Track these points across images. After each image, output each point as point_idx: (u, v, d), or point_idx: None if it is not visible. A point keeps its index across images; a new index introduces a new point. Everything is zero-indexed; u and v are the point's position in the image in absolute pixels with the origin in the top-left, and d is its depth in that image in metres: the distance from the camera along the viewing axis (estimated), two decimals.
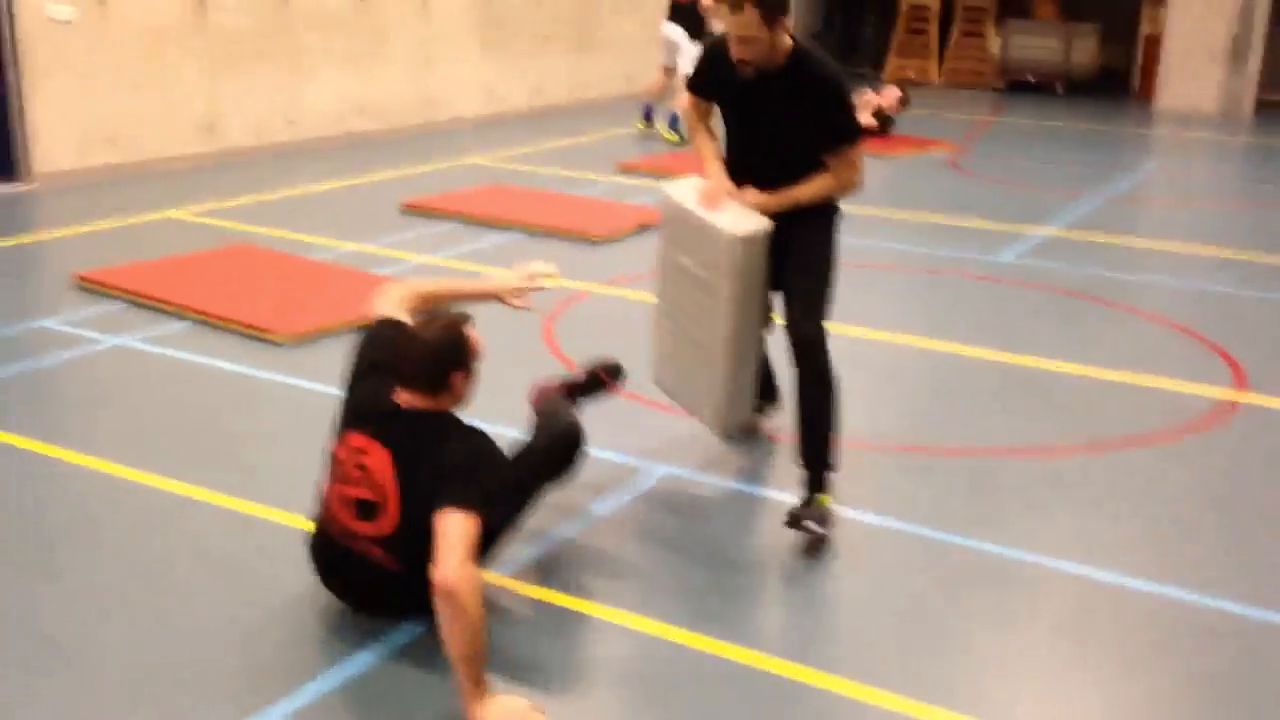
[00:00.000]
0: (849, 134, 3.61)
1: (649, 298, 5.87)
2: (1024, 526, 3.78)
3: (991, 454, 4.32)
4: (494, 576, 3.32)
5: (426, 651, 2.96)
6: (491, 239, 7.14)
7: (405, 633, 3.07)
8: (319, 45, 10.07)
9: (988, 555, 3.59)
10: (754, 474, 4.13)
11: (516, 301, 3.65)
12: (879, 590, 3.41)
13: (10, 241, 6.93)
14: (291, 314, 5.45)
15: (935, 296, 6.38)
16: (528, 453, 3.34)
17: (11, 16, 7.94)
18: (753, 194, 3.69)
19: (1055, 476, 4.16)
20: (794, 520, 3.52)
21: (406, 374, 3.00)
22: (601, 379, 4.01)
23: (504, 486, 3.08)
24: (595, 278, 6.36)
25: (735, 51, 3.47)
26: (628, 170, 9.39)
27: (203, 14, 9.12)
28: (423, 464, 2.91)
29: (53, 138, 8.32)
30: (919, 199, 8.65)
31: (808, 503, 3.58)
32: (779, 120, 3.61)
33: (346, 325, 5.33)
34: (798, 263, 3.66)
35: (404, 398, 3.02)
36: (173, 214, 7.63)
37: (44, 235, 7.18)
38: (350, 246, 6.87)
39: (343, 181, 8.81)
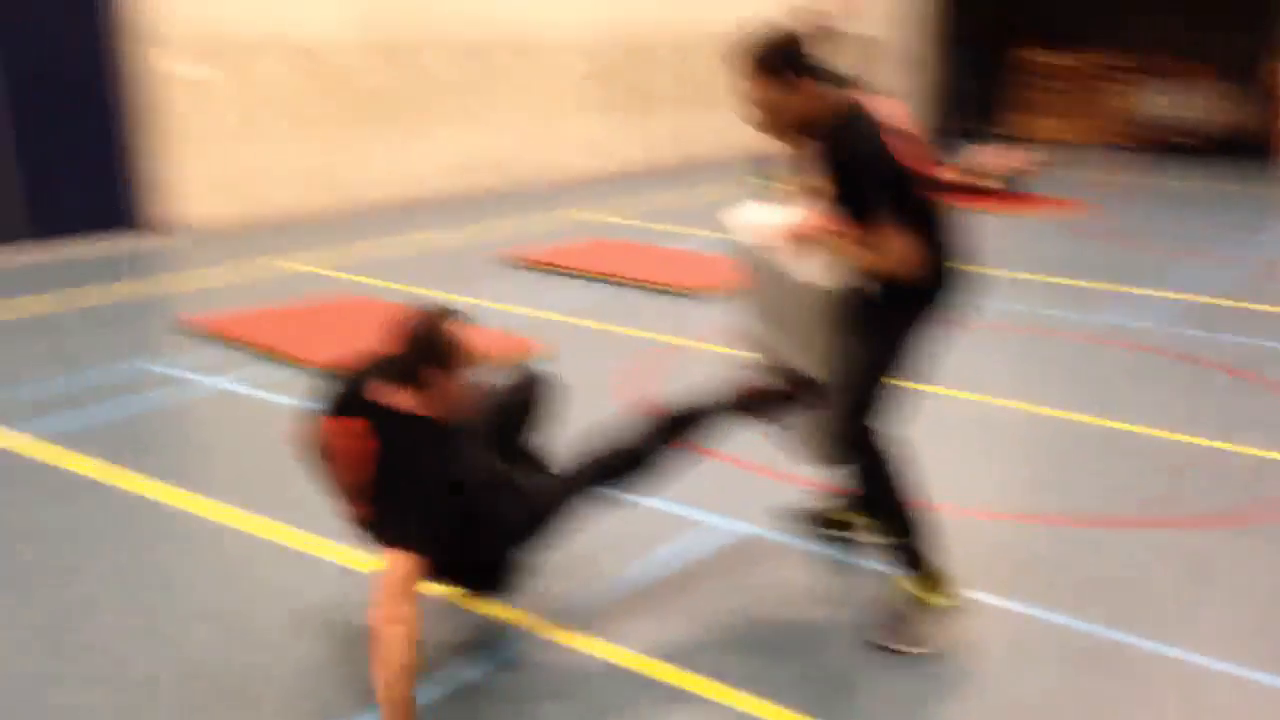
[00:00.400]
0: (869, 210, 3.12)
1: (738, 352, 5.83)
2: (1149, 608, 3.56)
3: (1102, 523, 4.11)
4: (541, 623, 3.27)
5: (487, 691, 2.91)
6: (587, 291, 7.18)
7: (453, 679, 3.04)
8: (438, 104, 10.35)
9: (1117, 644, 3.38)
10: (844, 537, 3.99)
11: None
12: (989, 677, 3.20)
13: (132, 288, 7.22)
14: None
15: (1044, 358, 6.16)
16: (588, 459, 3.23)
17: (141, 75, 8.35)
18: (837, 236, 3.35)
19: (1173, 550, 3.93)
20: (872, 643, 3.32)
21: (382, 364, 2.89)
22: (780, 395, 3.60)
23: (458, 516, 2.86)
24: (683, 332, 6.32)
25: (755, 120, 3.21)
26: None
27: (328, 74, 9.46)
28: (390, 473, 2.82)
29: (183, 190, 8.70)
30: (1039, 259, 8.41)
31: (888, 614, 3.37)
32: (830, 185, 3.27)
33: None
34: (838, 355, 3.37)
35: (382, 391, 2.88)
36: (287, 264, 7.86)
37: (165, 282, 7.47)
38: (451, 298, 6.97)
39: (451, 235, 8.98)
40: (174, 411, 5.08)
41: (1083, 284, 7.71)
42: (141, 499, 4.13)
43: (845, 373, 3.32)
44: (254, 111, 9.04)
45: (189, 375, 5.47)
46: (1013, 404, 5.29)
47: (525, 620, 3.34)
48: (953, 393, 5.30)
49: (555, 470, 3.26)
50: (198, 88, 8.65)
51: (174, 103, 8.54)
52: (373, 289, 7.15)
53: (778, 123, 3.17)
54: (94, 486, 4.23)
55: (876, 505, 3.34)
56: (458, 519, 2.82)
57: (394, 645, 2.58)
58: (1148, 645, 3.32)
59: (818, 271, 3.41)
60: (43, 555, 3.72)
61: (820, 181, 3.24)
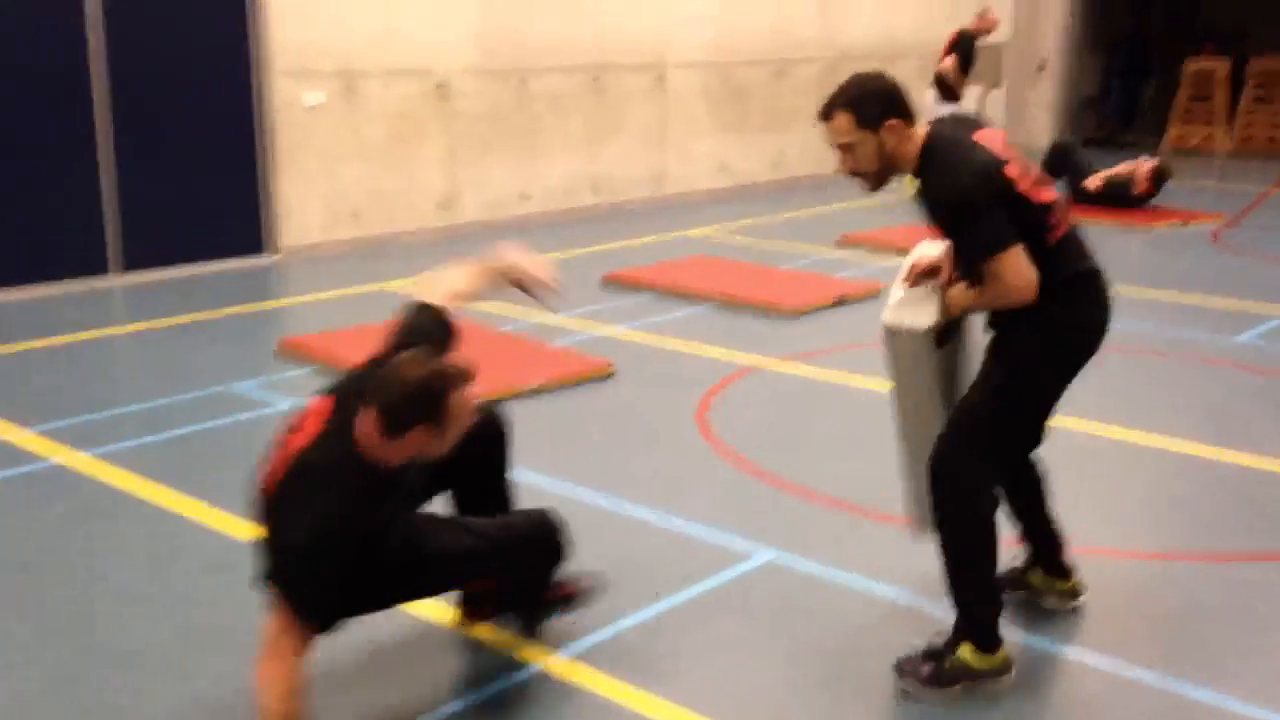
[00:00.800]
0: (972, 247, 2.96)
1: (825, 375, 5.66)
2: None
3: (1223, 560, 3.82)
4: (553, 659, 3.21)
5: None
6: (680, 311, 7.09)
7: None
8: (553, 124, 10.43)
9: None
10: (897, 573, 3.81)
11: (539, 290, 3.32)
12: None
13: (242, 309, 7.46)
14: None
15: (1167, 383, 5.78)
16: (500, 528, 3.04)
17: (264, 100, 8.66)
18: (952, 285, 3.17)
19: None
20: (898, 667, 3.12)
21: (372, 402, 2.63)
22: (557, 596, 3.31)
23: (348, 565, 2.65)
24: (772, 351, 6.17)
25: (839, 163, 3.08)
26: (849, 243, 9.16)
27: (445, 98, 9.65)
28: (302, 483, 2.63)
29: (300, 213, 8.97)
30: (1168, 275, 7.95)
31: (932, 653, 3.11)
32: (931, 223, 3.09)
33: (502, 394, 5.41)
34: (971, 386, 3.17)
35: (363, 424, 2.64)
36: (397, 285, 8.02)
37: (275, 304, 7.71)
38: (543, 317, 6.98)
39: (560, 254, 9.01)
40: (247, 431, 5.21)
41: (1217, 302, 7.25)
42: (191, 521, 4.23)
43: (961, 405, 3.12)
44: (368, 136, 9.27)
45: (271, 395, 5.60)
46: (1133, 435, 4.98)
47: (544, 657, 3.28)
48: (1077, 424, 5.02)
49: (466, 533, 2.99)
50: (315, 113, 8.92)
51: (292, 128, 8.81)
52: (466, 309, 7.20)
53: (866, 167, 3.03)
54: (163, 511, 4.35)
55: (952, 558, 3.06)
56: (347, 568, 2.65)
57: (273, 707, 2.55)
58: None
59: (932, 313, 3.16)
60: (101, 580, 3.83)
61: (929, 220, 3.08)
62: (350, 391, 2.72)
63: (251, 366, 6.11)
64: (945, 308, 3.12)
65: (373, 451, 2.63)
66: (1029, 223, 2.94)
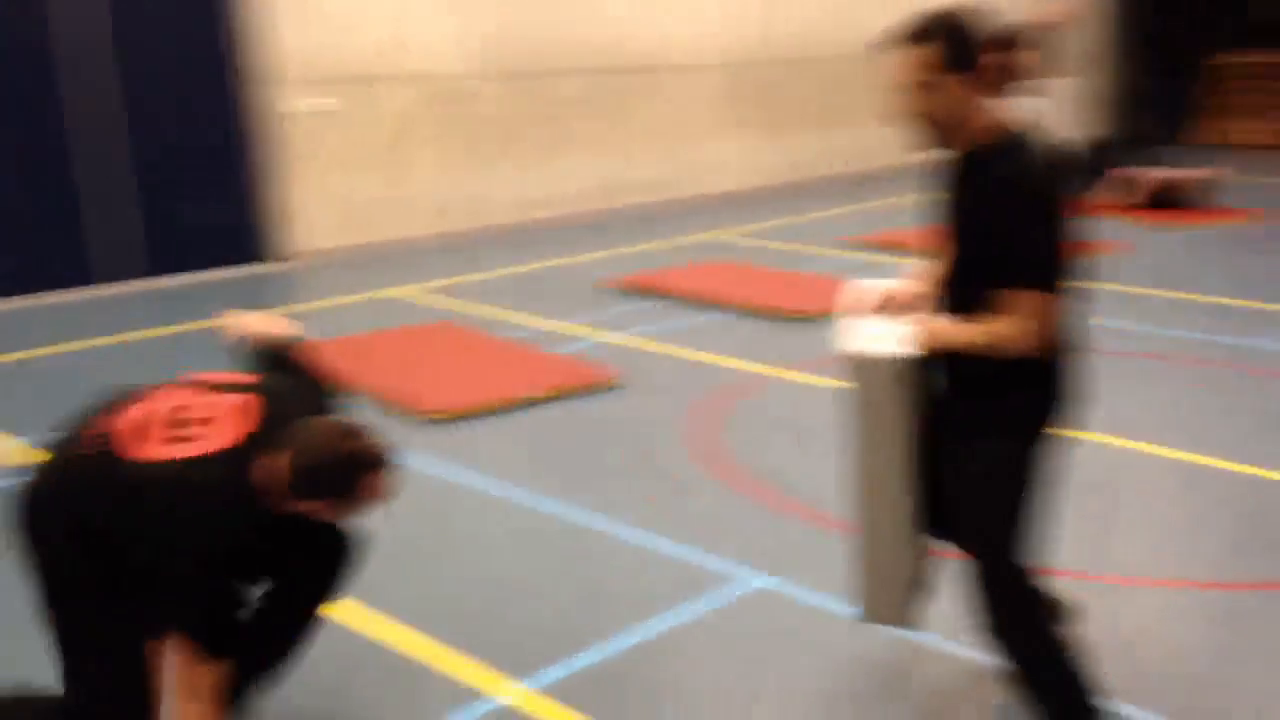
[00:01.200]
0: (1013, 272, 2.43)
1: (830, 382, 5.41)
2: None
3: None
4: (525, 695, 3.00)
5: None
6: (688, 317, 6.87)
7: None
8: (565, 128, 10.24)
9: None
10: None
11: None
12: None
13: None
14: (446, 391, 5.39)
15: (1206, 394, 5.48)
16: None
17: (268, 108, 8.53)
18: (931, 317, 2.67)
19: None
20: None
21: (289, 452, 2.39)
22: None
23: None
24: (774, 360, 5.93)
25: (902, 103, 2.52)
26: (866, 245, 8.91)
27: (453, 103, 9.48)
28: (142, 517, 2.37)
29: (309, 220, 8.83)
30: (1199, 277, 7.63)
31: None
32: (961, 223, 2.58)
33: (495, 405, 5.23)
34: (951, 481, 2.66)
35: (271, 466, 2.40)
36: (397, 292, 7.84)
37: (277, 312, 7.55)
38: (547, 324, 6.79)
39: (568, 259, 8.82)
40: None
41: (1230, 302, 6.94)
42: None
43: (972, 495, 2.59)
44: (377, 141, 9.12)
45: None
46: (1169, 452, 4.71)
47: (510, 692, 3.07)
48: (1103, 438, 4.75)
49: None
50: (321, 119, 8.78)
51: (298, 135, 8.68)
52: (470, 316, 7.02)
53: (935, 113, 2.48)
54: None
55: (1039, 686, 2.59)
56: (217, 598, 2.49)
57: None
58: None
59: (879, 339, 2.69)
60: None
61: (946, 219, 2.59)
62: (275, 419, 2.47)
63: None
64: (924, 341, 2.58)
65: (267, 492, 2.40)
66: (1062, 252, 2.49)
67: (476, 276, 8.27)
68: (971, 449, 2.57)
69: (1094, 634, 3.07)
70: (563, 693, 3.02)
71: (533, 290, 7.83)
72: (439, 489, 4.42)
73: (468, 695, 3.02)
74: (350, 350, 6.16)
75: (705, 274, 7.89)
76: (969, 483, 2.59)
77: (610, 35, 10.45)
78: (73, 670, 2.47)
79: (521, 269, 8.53)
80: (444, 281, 8.12)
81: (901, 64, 2.48)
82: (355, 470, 2.39)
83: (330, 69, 8.78)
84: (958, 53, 2.44)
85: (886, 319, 2.76)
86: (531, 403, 5.30)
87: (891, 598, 2.83)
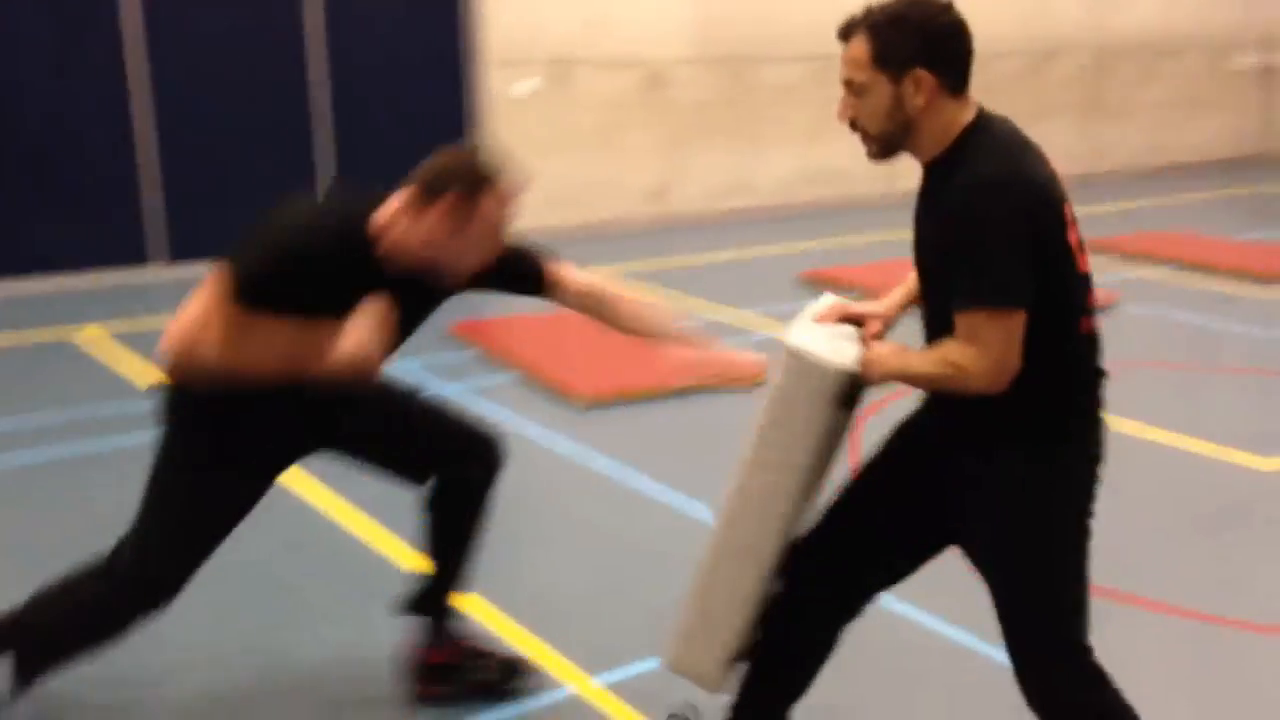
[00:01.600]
0: (967, 285, 1.99)
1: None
2: None
3: None
4: (596, 690, 2.93)
5: None
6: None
7: None
8: (773, 116, 10.08)
9: None
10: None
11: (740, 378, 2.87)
12: None
13: None
14: (597, 377, 5.38)
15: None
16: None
17: (481, 93, 8.76)
18: (880, 341, 2.29)
19: None
20: None
21: (410, 183, 2.48)
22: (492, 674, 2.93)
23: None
24: None
25: (839, 106, 2.18)
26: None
27: (658, 88, 9.48)
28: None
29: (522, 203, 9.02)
30: None
31: None
32: (921, 236, 2.19)
33: (642, 394, 5.18)
34: (980, 555, 2.18)
35: (390, 204, 2.50)
36: (607, 271, 7.90)
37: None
38: (721, 315, 6.68)
39: (770, 249, 8.67)
40: None
41: None
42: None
43: (1008, 586, 2.15)
44: (585, 126, 9.21)
45: (430, 378, 5.58)
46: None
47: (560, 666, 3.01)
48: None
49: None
50: (525, 102, 8.94)
51: (504, 117, 8.87)
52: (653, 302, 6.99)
53: (868, 119, 2.12)
54: None
55: None
56: (303, 275, 2.44)
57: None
58: None
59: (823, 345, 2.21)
60: None
61: (917, 229, 2.20)
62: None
63: (421, 346, 6.12)
64: (867, 366, 2.15)
65: (384, 231, 2.48)
66: (1062, 292, 2.03)
67: (680, 263, 8.26)
68: (998, 520, 2.11)
69: (1221, 688, 2.73)
70: (630, 692, 2.92)
71: (720, 279, 7.76)
72: (573, 473, 4.42)
73: (540, 681, 2.97)
74: (535, 328, 6.23)
75: (890, 270, 7.57)
76: (1005, 572, 2.13)
77: (821, 21, 10.15)
78: (144, 518, 2.58)
79: (723, 257, 8.47)
80: (629, 266, 8.12)
81: (842, 63, 2.14)
82: (479, 174, 2.46)
83: (532, 51, 8.93)
84: (889, 47, 2.05)
85: (847, 332, 2.33)
86: (682, 392, 5.20)
87: (712, 650, 2.31)
